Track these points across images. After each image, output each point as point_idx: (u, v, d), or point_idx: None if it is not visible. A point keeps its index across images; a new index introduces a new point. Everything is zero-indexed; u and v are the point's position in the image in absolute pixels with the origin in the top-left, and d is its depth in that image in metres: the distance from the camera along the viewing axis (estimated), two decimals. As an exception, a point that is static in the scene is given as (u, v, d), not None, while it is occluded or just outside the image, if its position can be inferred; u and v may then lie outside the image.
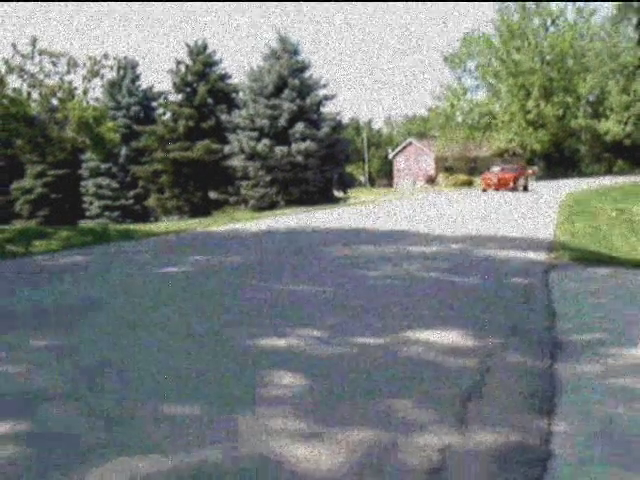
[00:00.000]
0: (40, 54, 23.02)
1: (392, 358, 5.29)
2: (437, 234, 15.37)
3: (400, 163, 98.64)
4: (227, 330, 6.44)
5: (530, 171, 53.83)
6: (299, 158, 45.55)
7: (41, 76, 23.29)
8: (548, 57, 74.42)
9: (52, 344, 6.16)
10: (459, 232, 15.54)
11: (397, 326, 6.28)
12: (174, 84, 55.45)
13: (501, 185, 45.44)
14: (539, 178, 72.33)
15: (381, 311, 7.18)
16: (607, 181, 49.80)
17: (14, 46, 22.56)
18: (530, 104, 72.30)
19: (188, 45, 55.31)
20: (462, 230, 16.00)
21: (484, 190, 46.25)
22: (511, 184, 45.08)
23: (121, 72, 57.15)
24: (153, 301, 8.47)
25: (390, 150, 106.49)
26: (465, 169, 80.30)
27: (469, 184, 64.23)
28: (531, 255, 11.23)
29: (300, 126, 45.82)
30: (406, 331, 6.05)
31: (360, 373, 4.94)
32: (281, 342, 5.84)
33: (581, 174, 78.16)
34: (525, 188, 46.22)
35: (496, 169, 49.91)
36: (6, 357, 5.72)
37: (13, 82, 23.08)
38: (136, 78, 64.86)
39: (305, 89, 48.33)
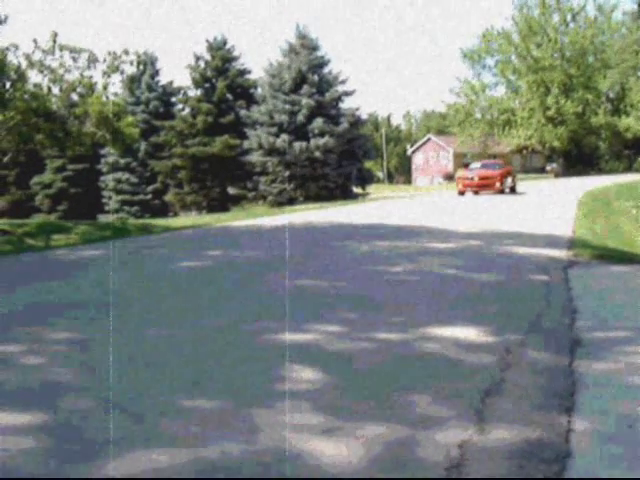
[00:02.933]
0: (61, 49, 23.06)
1: (411, 354, 5.28)
2: (455, 230, 15.33)
3: (419, 159, 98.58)
4: (245, 325, 6.45)
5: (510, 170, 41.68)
6: (318, 154, 45.53)
7: (61, 71, 23.34)
8: (568, 53, 73.90)
9: (73, 337, 6.20)
10: (477, 228, 15.49)
11: (416, 322, 6.27)
12: (193, 79, 55.52)
13: (484, 186, 36.76)
14: (558, 175, 72.09)
15: (400, 307, 7.17)
16: (628, 178, 47.68)
17: (35, 41, 22.64)
18: (550, 101, 71.84)
19: (207, 40, 55.35)
20: (480, 226, 15.94)
21: (461, 193, 37.50)
22: (497, 184, 36.58)
23: (141, 67, 57.19)
24: (171, 295, 8.51)
25: (409, 146, 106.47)
26: (484, 166, 79.94)
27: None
28: (550, 252, 11.16)
29: (319, 122, 45.79)
30: (425, 327, 6.04)
31: (379, 368, 4.93)
32: (300, 337, 5.84)
33: (600, 171, 77.62)
34: (512, 189, 38.23)
35: (476, 166, 41.14)
36: (27, 349, 5.75)
37: (34, 77, 23.18)
38: (156, 73, 64.92)
39: (324, 85, 48.32)
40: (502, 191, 36.11)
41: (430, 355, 5.24)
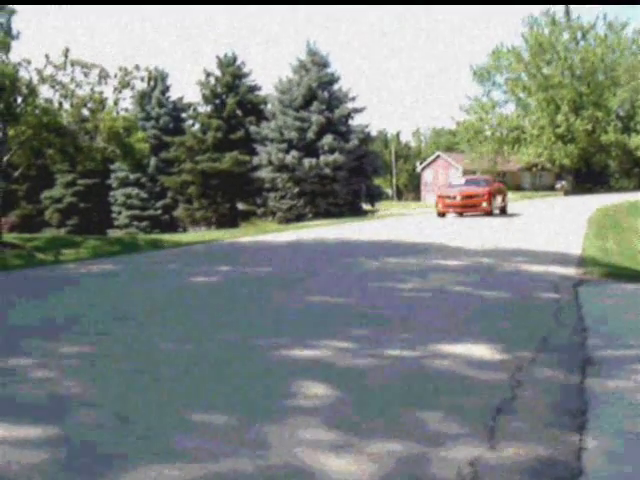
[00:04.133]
0: (72, 65, 23.25)
1: (422, 370, 5.27)
2: (464, 247, 15.32)
3: (428, 176, 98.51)
4: (255, 340, 6.45)
5: (501, 186, 36.44)
6: (327, 170, 45.63)
7: (72, 86, 23.50)
8: (578, 71, 73.92)
9: (83, 351, 6.21)
10: (487, 246, 15.47)
11: (426, 339, 6.26)
12: (203, 95, 55.77)
13: (468, 206, 31.25)
14: (567, 193, 71.97)
15: (410, 324, 7.16)
16: (639, 196, 47.23)
17: (47, 57, 22.81)
18: (559, 118, 71.81)
19: (218, 57, 55.63)
20: (490, 244, 15.92)
21: (441, 214, 31.85)
22: (484, 204, 30.68)
23: (151, 83, 57.48)
24: (181, 311, 8.52)
25: (418, 163, 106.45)
26: (493, 183, 79.90)
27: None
28: (560, 270, 11.14)
29: (329, 138, 45.91)
30: (435, 344, 6.03)
31: (390, 385, 4.93)
32: (310, 353, 5.84)
33: (610, 189, 77.52)
34: (503, 210, 33.45)
35: (459, 182, 36.12)
36: (38, 363, 5.76)
37: (45, 92, 23.33)
38: (166, 89, 65.28)
39: (334, 102, 48.47)
40: (490, 212, 30.72)
41: (441, 372, 5.23)
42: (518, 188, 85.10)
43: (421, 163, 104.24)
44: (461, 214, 31.46)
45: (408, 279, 10.59)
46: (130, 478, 3.39)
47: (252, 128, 50.63)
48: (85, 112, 24.69)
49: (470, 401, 4.52)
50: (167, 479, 3.37)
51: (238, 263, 14.27)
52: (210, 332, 6.94)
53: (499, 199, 32.83)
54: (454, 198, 31.48)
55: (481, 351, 5.79)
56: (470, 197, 31.15)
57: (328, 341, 6.23)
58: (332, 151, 45.85)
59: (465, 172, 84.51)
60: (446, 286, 9.76)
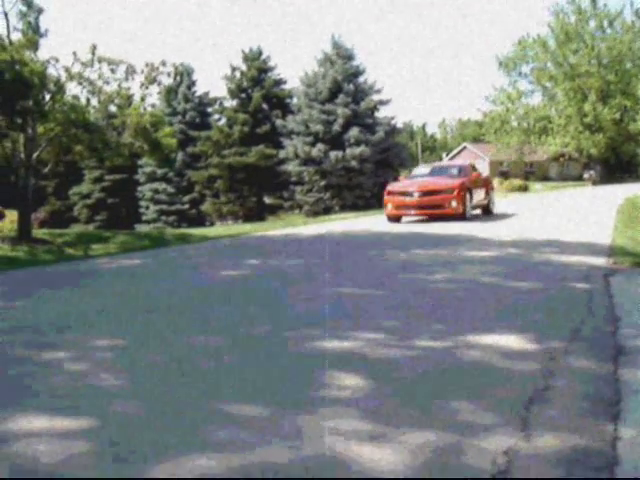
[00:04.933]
0: (99, 61, 23.37)
1: (454, 361, 5.27)
2: (492, 238, 15.26)
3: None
4: (287, 332, 6.48)
5: (487, 179, 27.52)
6: (353, 163, 45.65)
7: (100, 83, 23.64)
8: (605, 60, 73.12)
9: (115, 344, 6.28)
10: (515, 236, 15.41)
11: (457, 329, 6.25)
12: (229, 90, 56.00)
13: (429, 207, 22.23)
14: (595, 183, 71.42)
15: (441, 314, 7.16)
16: None
17: (74, 54, 22.95)
18: (587, 107, 71.12)
19: (243, 51, 55.90)
20: (517, 234, 15.84)
21: (392, 219, 23.04)
22: (453, 204, 21.77)
23: (177, 78, 57.67)
24: (213, 303, 8.57)
25: (444, 155, 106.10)
26: (521, 174, 79.52)
27: (524, 189, 63.30)
28: (590, 260, 11.08)
29: (354, 131, 45.94)
30: (467, 335, 6.02)
31: (422, 375, 4.94)
32: (341, 344, 5.86)
33: (639, 179, 76.79)
34: (486, 209, 24.97)
35: (422, 171, 26.17)
36: (73, 356, 5.84)
37: (73, 89, 23.50)
38: (192, 84, 65.51)
39: (359, 94, 48.48)
40: (462, 215, 21.74)
41: (473, 362, 5.23)
42: (545, 178, 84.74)
43: (447, 155, 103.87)
44: (421, 214, 22.80)
45: (437, 270, 10.57)
46: (169, 468, 3.43)
47: (278, 122, 50.79)
48: (112, 108, 24.85)
49: (503, 391, 4.52)
50: (205, 469, 3.41)
51: (267, 256, 14.31)
52: (241, 324, 6.98)
53: (479, 195, 23.98)
54: (410, 195, 22.45)
55: (513, 341, 5.78)
56: (432, 193, 22.22)
57: (359, 332, 6.24)
58: (358, 144, 45.87)
59: (492, 163, 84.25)
60: (476, 277, 9.73)
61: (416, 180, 24.22)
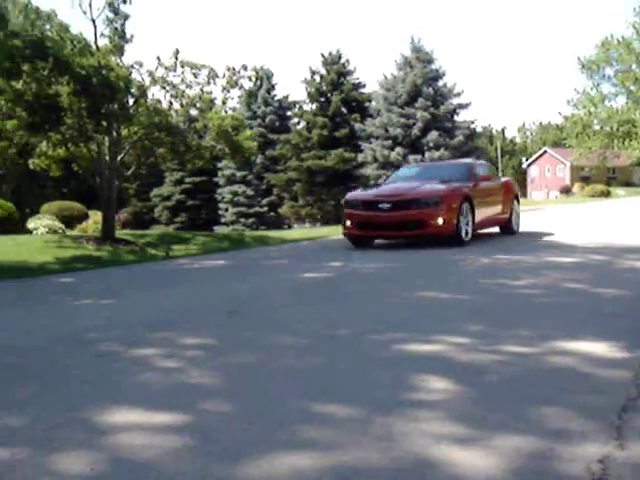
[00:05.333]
0: (182, 66, 23.73)
1: (541, 367, 5.20)
2: (575, 244, 15.01)
3: (534, 173, 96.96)
4: (371, 334, 6.49)
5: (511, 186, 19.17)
6: (432, 167, 45.35)
7: (182, 87, 23.99)
8: (693, 61, 71.34)
9: (203, 343, 6.39)
10: (596, 242, 15.12)
11: (543, 336, 6.16)
12: (308, 93, 56.35)
13: (403, 225, 15.23)
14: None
15: (525, 320, 7.07)
16: None
17: (158, 58, 23.36)
18: (672, 111, 69.45)
19: (323, 55, 56.13)
20: (599, 240, 15.55)
21: (353, 239, 16.49)
22: (439, 221, 14.78)
23: (257, 82, 58.27)
24: (296, 305, 8.63)
25: (524, 159, 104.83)
26: (603, 179, 78.02)
27: (607, 194, 62.06)
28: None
29: (434, 135, 45.75)
30: (553, 341, 5.93)
31: (510, 380, 4.88)
32: (428, 348, 5.84)
33: None
34: (506, 227, 18.29)
35: (405, 173, 19.11)
36: (163, 354, 5.97)
37: (156, 93, 23.92)
38: (271, 88, 66.11)
39: (439, 98, 48.30)
40: (456, 237, 15.06)
41: (561, 369, 5.15)
42: (628, 184, 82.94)
43: (527, 159, 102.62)
44: (391, 236, 16.64)
45: (520, 275, 10.45)
46: (262, 466, 3.46)
47: (357, 125, 50.87)
48: (193, 111, 25.19)
49: (593, 399, 4.44)
50: (299, 468, 3.43)
51: (347, 259, 14.32)
52: (325, 327, 7.00)
53: (492, 207, 17.26)
54: (377, 208, 15.59)
55: (601, 349, 5.67)
56: (409, 205, 15.28)
57: (445, 336, 6.21)
58: (437, 147, 45.67)
59: (573, 168, 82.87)
60: (559, 283, 9.60)
61: (391, 186, 17.12)
